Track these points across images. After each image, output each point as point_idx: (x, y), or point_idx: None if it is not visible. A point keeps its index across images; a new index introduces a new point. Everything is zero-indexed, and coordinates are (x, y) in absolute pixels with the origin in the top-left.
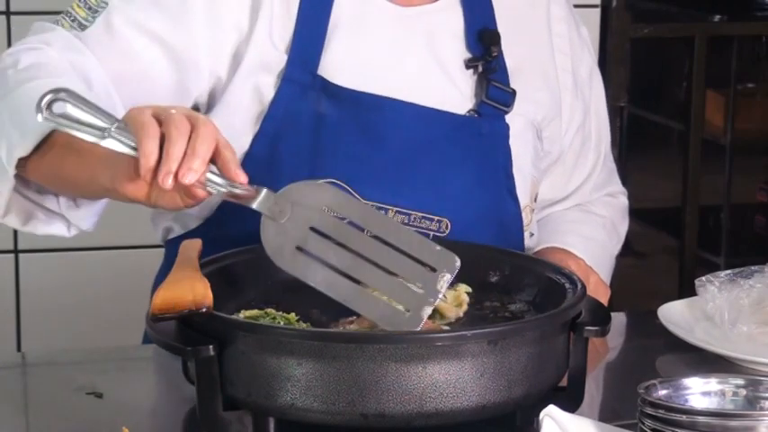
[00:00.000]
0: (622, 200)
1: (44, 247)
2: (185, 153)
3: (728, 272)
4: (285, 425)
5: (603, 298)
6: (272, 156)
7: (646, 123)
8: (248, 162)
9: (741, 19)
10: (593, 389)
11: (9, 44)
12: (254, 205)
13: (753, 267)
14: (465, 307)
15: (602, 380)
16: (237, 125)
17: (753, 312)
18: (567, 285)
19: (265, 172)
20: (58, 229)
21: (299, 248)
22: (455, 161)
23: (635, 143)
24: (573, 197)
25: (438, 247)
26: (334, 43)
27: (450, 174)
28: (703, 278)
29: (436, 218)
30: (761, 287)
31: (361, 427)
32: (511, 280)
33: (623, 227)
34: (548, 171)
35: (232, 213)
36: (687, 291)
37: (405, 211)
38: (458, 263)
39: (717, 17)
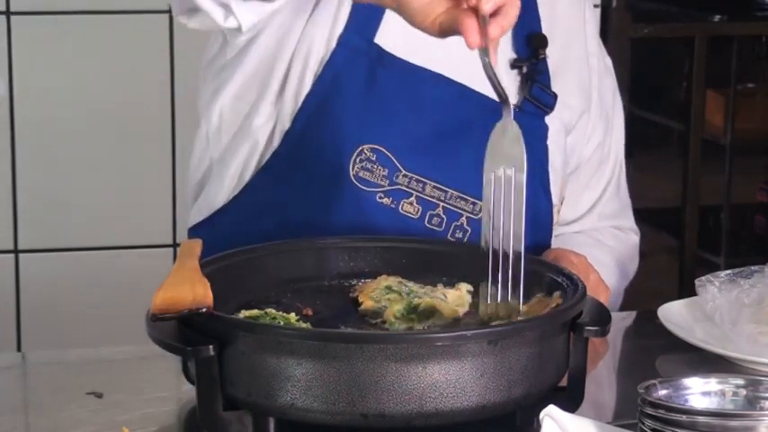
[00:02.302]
0: (633, 238)
1: (44, 247)
2: None
3: (728, 272)
4: (285, 425)
5: (603, 296)
6: (321, 115)
7: (646, 123)
8: (299, 118)
9: (741, 19)
10: (593, 389)
11: (9, 44)
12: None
13: (753, 267)
14: (466, 307)
15: (602, 380)
16: (308, 64)
17: (753, 312)
18: (568, 285)
19: (314, 130)
20: (216, 13)
21: None
22: None
23: (635, 143)
24: (581, 221)
25: None
26: (392, 15)
27: None
28: (703, 278)
29: (471, 199)
30: (761, 287)
31: (361, 427)
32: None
33: (632, 266)
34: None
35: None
36: (687, 291)
37: (442, 187)
38: None
39: (717, 17)
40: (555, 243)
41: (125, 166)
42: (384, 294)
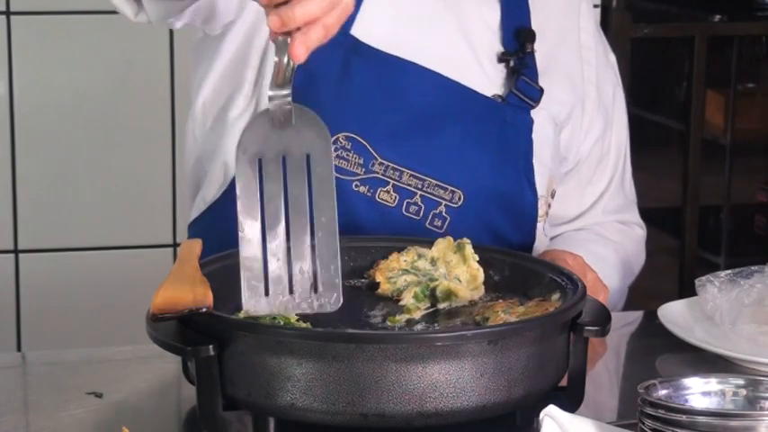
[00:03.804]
0: (639, 232)
1: (44, 247)
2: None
3: (728, 272)
4: (285, 425)
5: (602, 295)
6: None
7: (646, 123)
8: None
9: (741, 19)
10: (593, 389)
11: (9, 44)
12: (270, 91)
13: (753, 267)
14: (482, 290)
15: (602, 380)
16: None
17: (753, 312)
18: (567, 285)
19: None
20: (127, 8)
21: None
22: (475, 138)
23: (635, 143)
24: (584, 217)
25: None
26: (370, 6)
27: (468, 148)
28: (703, 278)
29: (450, 188)
30: (761, 287)
31: (361, 427)
32: (511, 280)
33: (638, 261)
34: (563, 181)
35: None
36: (687, 291)
37: (419, 175)
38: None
39: (717, 17)
40: (557, 242)
41: (125, 166)
42: (400, 276)
